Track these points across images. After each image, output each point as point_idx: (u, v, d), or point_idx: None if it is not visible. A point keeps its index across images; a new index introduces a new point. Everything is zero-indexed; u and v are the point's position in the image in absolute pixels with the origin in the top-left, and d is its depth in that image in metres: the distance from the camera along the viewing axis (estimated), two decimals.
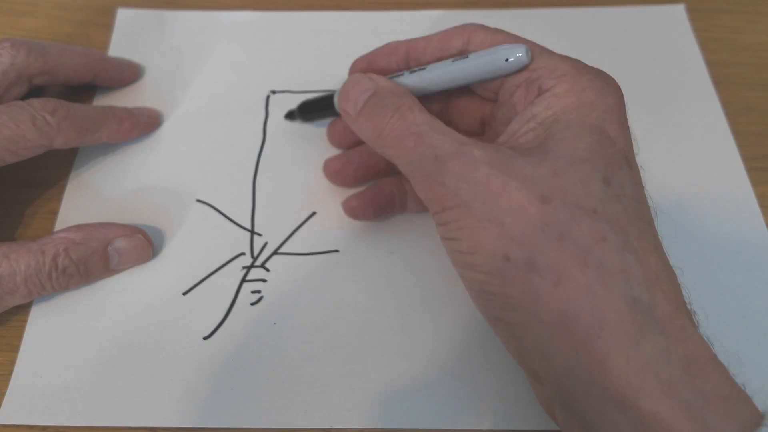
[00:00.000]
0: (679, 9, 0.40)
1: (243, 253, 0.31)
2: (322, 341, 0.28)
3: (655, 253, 0.21)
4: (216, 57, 0.38)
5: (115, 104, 0.35)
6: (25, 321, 0.29)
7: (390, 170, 0.31)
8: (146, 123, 0.35)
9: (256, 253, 0.31)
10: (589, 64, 0.37)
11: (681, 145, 0.34)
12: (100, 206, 0.32)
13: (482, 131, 0.29)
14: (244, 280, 0.30)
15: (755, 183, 0.33)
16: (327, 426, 0.26)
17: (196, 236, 0.31)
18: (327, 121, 0.34)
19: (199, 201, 0.33)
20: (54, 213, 0.33)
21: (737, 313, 0.29)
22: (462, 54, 0.26)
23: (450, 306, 0.29)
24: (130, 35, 0.40)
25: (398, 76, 0.27)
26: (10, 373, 0.28)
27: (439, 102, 0.29)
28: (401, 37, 0.39)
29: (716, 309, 0.29)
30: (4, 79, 0.31)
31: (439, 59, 0.27)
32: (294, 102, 0.36)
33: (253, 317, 0.29)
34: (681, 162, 0.34)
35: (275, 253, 0.31)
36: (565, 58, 0.25)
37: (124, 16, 0.41)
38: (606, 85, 0.24)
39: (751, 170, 0.33)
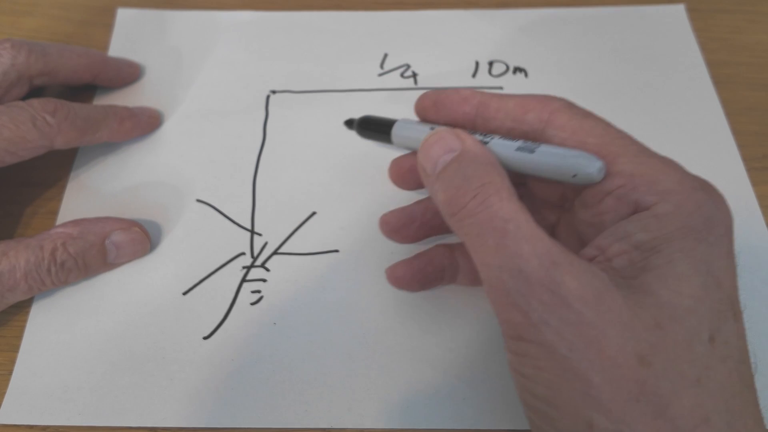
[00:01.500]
0: (679, 9, 0.40)
1: (243, 253, 0.31)
2: (322, 341, 0.28)
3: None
4: (216, 57, 0.38)
5: (115, 104, 0.35)
6: (25, 321, 0.29)
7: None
8: (147, 123, 0.35)
9: (256, 253, 0.31)
10: (589, 64, 0.37)
11: (681, 144, 0.34)
12: (100, 206, 0.32)
13: (563, 204, 0.25)
14: (244, 280, 0.30)
15: (755, 183, 0.33)
16: (327, 426, 0.26)
17: (196, 236, 0.31)
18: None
19: (199, 201, 0.33)
20: (54, 213, 0.33)
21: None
22: (536, 133, 0.23)
23: (451, 306, 0.29)
24: (130, 35, 0.40)
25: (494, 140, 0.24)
26: (10, 373, 0.28)
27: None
28: (401, 38, 0.39)
29: None
30: (5, 80, 0.31)
31: (509, 130, 0.23)
32: (294, 102, 0.36)
33: (253, 317, 0.29)
34: (681, 162, 0.34)
35: (275, 253, 0.31)
36: (667, 164, 0.21)
37: (124, 16, 0.41)
38: (716, 209, 0.20)
39: (751, 170, 0.33)
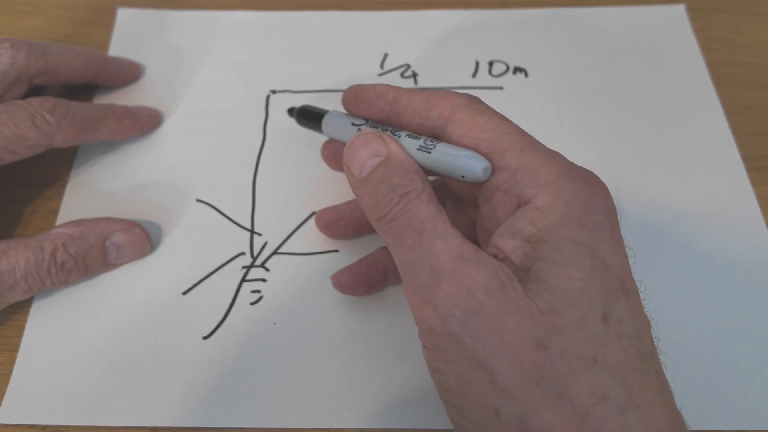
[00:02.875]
0: (680, 9, 0.40)
1: (243, 253, 0.31)
2: (322, 341, 0.28)
3: (658, 404, 0.19)
4: (216, 57, 0.38)
5: (115, 103, 0.35)
6: (25, 320, 0.29)
7: None
8: (146, 122, 0.35)
9: (255, 252, 0.31)
10: (589, 64, 0.37)
11: (681, 144, 0.34)
12: (100, 206, 0.32)
13: (475, 204, 0.26)
14: (243, 279, 0.30)
15: (755, 183, 0.33)
16: (326, 426, 0.26)
17: (195, 236, 0.31)
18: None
19: (199, 200, 0.33)
20: (54, 212, 0.33)
21: (737, 313, 0.29)
22: (439, 129, 0.24)
23: None
24: (130, 35, 0.40)
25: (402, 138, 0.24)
26: (10, 373, 0.28)
27: None
28: (401, 38, 0.39)
29: (716, 309, 0.29)
30: (4, 79, 0.31)
31: (418, 126, 0.24)
32: (295, 101, 0.36)
33: (253, 317, 0.29)
34: (681, 162, 0.34)
35: (275, 252, 0.31)
36: (549, 156, 0.22)
37: (124, 15, 0.41)
38: (592, 195, 0.21)
39: (751, 170, 0.33)
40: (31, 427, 0.27)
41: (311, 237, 0.31)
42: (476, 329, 0.19)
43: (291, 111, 0.32)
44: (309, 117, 0.30)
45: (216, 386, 0.27)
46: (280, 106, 0.36)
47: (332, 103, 0.36)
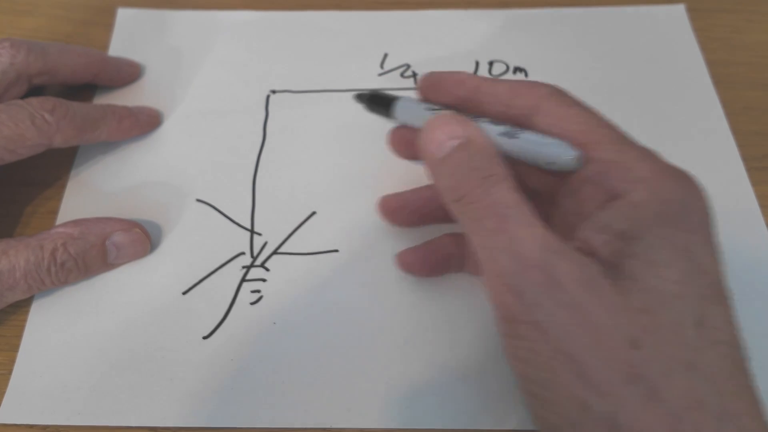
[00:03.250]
0: (679, 9, 0.40)
1: (243, 253, 0.31)
2: (322, 341, 0.28)
3: (754, 416, 0.18)
4: (216, 56, 0.38)
5: (114, 103, 0.35)
6: (25, 320, 0.29)
7: (448, 221, 0.28)
8: (146, 122, 0.35)
9: (255, 252, 0.31)
10: (589, 64, 0.37)
11: (681, 144, 0.34)
12: (99, 205, 0.32)
13: (552, 198, 0.25)
14: (243, 279, 0.30)
15: (755, 183, 0.33)
16: (327, 426, 0.26)
17: (195, 236, 0.31)
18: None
19: (199, 200, 0.33)
20: (54, 212, 0.33)
21: (737, 313, 0.29)
22: (524, 118, 0.23)
23: (450, 306, 0.29)
24: (130, 35, 0.40)
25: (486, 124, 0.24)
26: (10, 373, 0.28)
27: None
28: (401, 38, 0.39)
29: None
30: (4, 79, 0.31)
31: (499, 114, 0.24)
32: (295, 101, 0.36)
33: (253, 317, 0.29)
34: (681, 162, 0.33)
35: (275, 252, 0.31)
36: (644, 153, 0.21)
37: (124, 15, 0.41)
38: (690, 196, 0.20)
39: (751, 170, 0.33)
40: (31, 426, 0.27)
41: (311, 237, 0.31)
42: (565, 322, 0.18)
43: (360, 97, 0.31)
44: (379, 102, 0.29)
45: (216, 386, 0.27)
46: (280, 105, 0.36)
47: (333, 103, 0.36)
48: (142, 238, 0.30)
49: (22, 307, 0.29)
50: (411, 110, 0.27)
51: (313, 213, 0.32)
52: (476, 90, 0.25)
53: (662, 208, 0.20)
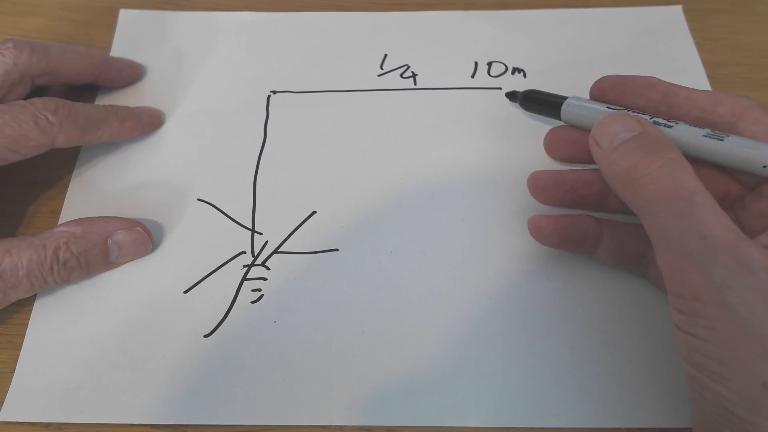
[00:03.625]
0: (677, 10, 0.40)
1: (243, 252, 0.31)
2: (322, 339, 0.28)
3: None
4: (217, 57, 0.39)
5: (116, 104, 0.36)
6: (28, 319, 0.29)
7: (599, 206, 0.30)
8: (148, 122, 0.35)
9: (256, 251, 0.31)
10: (587, 65, 0.38)
11: None
12: (101, 205, 0.33)
13: (722, 202, 0.26)
14: (244, 278, 0.30)
15: None
16: (327, 423, 0.26)
17: (197, 235, 0.32)
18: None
19: (200, 200, 0.33)
20: (56, 212, 0.33)
21: None
22: (725, 125, 0.24)
23: (449, 304, 0.29)
24: (132, 36, 0.40)
25: (670, 126, 0.25)
26: (13, 371, 0.28)
27: None
28: (401, 38, 0.39)
29: None
30: (7, 80, 0.31)
31: (696, 119, 0.25)
32: (295, 102, 0.37)
33: (254, 315, 0.29)
34: None
35: (276, 251, 0.31)
36: None
37: (126, 16, 0.41)
38: None
39: None
40: (34, 424, 0.27)
41: (311, 236, 0.32)
42: (755, 305, 0.19)
43: (512, 95, 0.34)
44: (539, 102, 0.32)
45: (217, 384, 0.27)
46: (281, 106, 0.37)
47: (333, 103, 0.36)
48: (144, 237, 0.30)
49: (24, 306, 0.30)
50: (582, 110, 0.28)
51: (314, 212, 0.32)
52: (672, 94, 0.26)
53: None
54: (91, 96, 0.37)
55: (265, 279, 0.30)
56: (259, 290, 0.30)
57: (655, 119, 0.25)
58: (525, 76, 0.38)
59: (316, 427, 0.26)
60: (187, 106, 0.37)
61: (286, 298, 0.30)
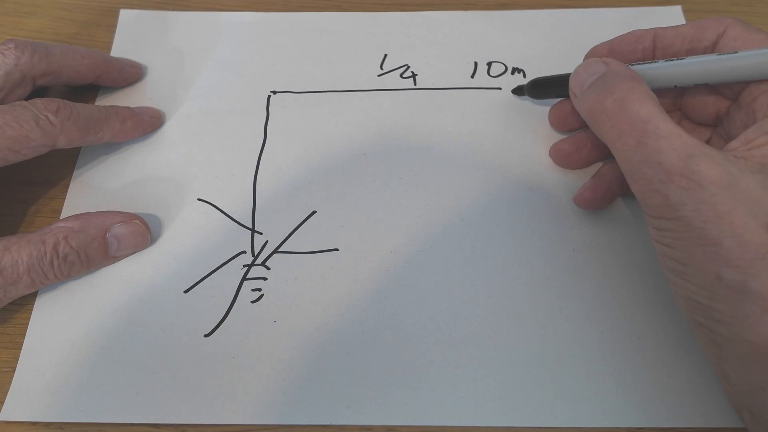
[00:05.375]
0: (676, 10, 0.40)
1: (244, 252, 0.31)
2: (322, 339, 0.28)
3: None
4: (217, 57, 0.39)
5: (117, 104, 0.36)
6: (28, 318, 0.29)
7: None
8: (148, 122, 0.35)
9: (256, 251, 0.31)
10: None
11: None
12: (102, 205, 0.33)
13: (715, 124, 0.29)
14: (244, 278, 0.30)
15: None
16: (327, 423, 0.27)
17: (197, 235, 0.32)
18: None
19: (200, 200, 0.33)
20: (57, 211, 0.33)
21: None
22: (712, 48, 0.26)
23: (449, 302, 0.29)
24: (132, 36, 0.40)
25: (651, 64, 0.27)
26: (14, 370, 0.28)
27: (672, 93, 0.29)
28: (401, 39, 0.39)
29: None
30: (8, 80, 0.31)
31: (689, 51, 0.27)
32: (295, 102, 0.37)
33: (254, 315, 0.29)
34: None
35: (276, 251, 0.31)
36: None
37: (126, 16, 0.41)
38: None
39: None
40: (34, 423, 0.27)
41: (311, 236, 0.32)
42: (707, 214, 0.21)
43: (519, 90, 0.35)
44: (547, 86, 0.33)
45: (217, 383, 0.27)
46: (281, 106, 0.37)
47: (333, 103, 0.37)
48: (142, 230, 0.31)
49: (25, 305, 0.30)
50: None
51: (314, 212, 0.32)
52: (660, 36, 0.27)
53: None
54: (91, 96, 0.37)
55: (265, 279, 0.30)
56: (259, 290, 0.30)
57: (669, 60, 0.26)
58: (524, 76, 0.38)
59: (316, 426, 0.27)
60: (187, 106, 0.37)
61: (286, 298, 0.30)
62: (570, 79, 0.28)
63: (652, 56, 0.28)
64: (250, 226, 0.32)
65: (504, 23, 0.40)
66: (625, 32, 0.29)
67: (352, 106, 0.37)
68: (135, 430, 0.27)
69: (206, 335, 0.29)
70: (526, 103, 0.36)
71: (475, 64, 0.38)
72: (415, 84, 0.38)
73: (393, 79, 0.38)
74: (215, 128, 0.36)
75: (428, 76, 0.38)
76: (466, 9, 0.41)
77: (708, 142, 0.29)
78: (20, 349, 0.29)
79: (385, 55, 0.39)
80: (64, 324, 0.29)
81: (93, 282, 0.30)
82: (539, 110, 0.36)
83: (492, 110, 0.36)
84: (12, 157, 0.29)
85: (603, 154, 0.32)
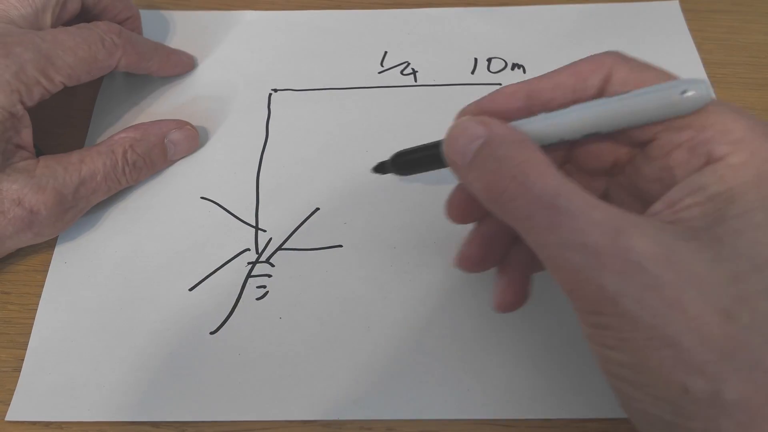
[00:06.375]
0: (674, 5, 0.40)
1: (248, 249, 0.31)
2: (327, 335, 0.29)
3: None
4: (218, 56, 0.39)
5: (117, 105, 0.36)
6: (33, 318, 0.29)
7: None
8: (186, 62, 0.38)
9: (260, 248, 0.31)
10: None
11: None
12: (107, 205, 0.33)
13: (613, 173, 0.24)
14: (249, 275, 0.30)
15: None
16: (332, 418, 0.27)
17: (201, 233, 0.32)
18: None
19: (203, 198, 0.33)
20: None
21: None
22: (600, 95, 0.22)
23: (452, 299, 0.29)
24: None
25: (533, 119, 0.22)
26: (19, 370, 0.28)
27: (562, 144, 0.23)
28: (401, 36, 0.39)
29: None
30: None
31: (572, 102, 0.22)
32: (296, 100, 0.37)
33: (259, 312, 0.29)
34: None
35: (280, 248, 0.31)
36: (737, 113, 0.20)
37: None
38: None
39: None
40: (34, 423, 0.27)
41: (315, 233, 0.32)
42: (655, 305, 0.17)
43: (381, 167, 0.28)
44: (414, 156, 0.26)
45: (223, 380, 0.27)
46: (282, 104, 0.37)
47: (334, 101, 0.37)
48: (195, 133, 0.34)
49: (28, 305, 0.30)
50: None
51: (317, 209, 0.32)
52: (536, 90, 0.23)
53: (762, 169, 0.19)
54: (91, 94, 0.37)
55: (269, 276, 0.30)
56: (264, 287, 0.30)
57: (549, 113, 0.22)
58: (525, 71, 0.38)
59: (322, 422, 0.27)
60: (188, 105, 0.37)
61: (291, 295, 0.30)
62: (445, 146, 0.22)
63: (529, 114, 0.23)
64: (254, 224, 0.32)
65: (504, 19, 0.40)
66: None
67: (353, 103, 0.37)
68: (134, 428, 0.27)
69: (212, 333, 0.29)
70: None
71: (475, 60, 0.38)
72: (415, 81, 0.38)
73: (393, 76, 0.38)
74: (217, 127, 0.36)
75: (429, 72, 0.38)
76: (465, 5, 0.41)
77: (605, 193, 0.25)
78: (22, 349, 0.29)
79: (386, 53, 0.39)
80: (68, 323, 0.29)
81: (97, 281, 0.30)
82: None
83: None
84: (84, 77, 0.31)
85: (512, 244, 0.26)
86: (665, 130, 0.21)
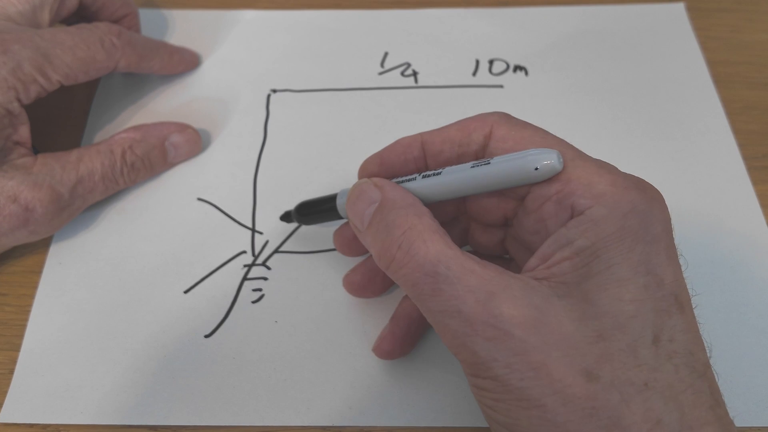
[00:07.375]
0: (679, 7, 0.40)
1: (244, 252, 0.31)
2: (323, 339, 0.28)
3: (711, 422, 0.19)
4: (217, 56, 0.39)
5: (117, 103, 0.35)
6: (25, 320, 0.29)
7: None
8: (189, 60, 0.37)
9: (257, 251, 0.31)
10: (589, 62, 0.38)
11: (681, 143, 0.34)
12: (103, 205, 0.32)
13: (505, 224, 0.25)
14: (245, 278, 0.30)
15: (755, 182, 0.33)
16: (328, 424, 0.26)
17: (197, 235, 0.32)
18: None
19: (200, 199, 0.33)
20: None
21: (737, 311, 0.29)
22: (482, 151, 0.23)
23: None
24: None
25: (410, 180, 0.24)
26: (12, 372, 0.28)
27: (454, 199, 0.25)
28: (402, 37, 0.39)
29: (716, 307, 0.29)
30: None
31: (459, 156, 0.24)
32: (295, 100, 0.36)
33: (255, 315, 0.29)
34: (681, 160, 0.34)
35: (276, 251, 0.31)
36: (601, 167, 0.21)
37: None
38: (649, 208, 0.20)
39: (751, 169, 0.33)
40: (33, 425, 0.27)
41: (312, 236, 0.31)
42: (522, 369, 0.18)
43: (286, 216, 0.30)
44: (314, 209, 0.29)
45: (218, 384, 0.27)
46: (281, 105, 0.36)
47: (333, 102, 0.36)
48: (196, 137, 0.33)
49: (23, 306, 0.30)
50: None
51: None
52: (427, 144, 0.24)
53: (623, 223, 0.20)
54: (89, 96, 0.37)
55: (265, 279, 0.30)
56: (260, 290, 0.30)
57: (425, 176, 0.24)
58: (527, 73, 0.37)
59: (317, 427, 0.26)
60: (187, 105, 0.36)
61: (287, 298, 0.29)
62: (347, 208, 0.24)
63: (424, 165, 0.25)
64: (251, 226, 0.32)
65: (505, 20, 0.40)
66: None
67: (352, 104, 0.36)
68: None
69: (207, 336, 0.28)
70: (526, 102, 0.36)
71: (477, 62, 0.38)
72: (416, 82, 0.37)
73: (394, 78, 0.38)
74: (215, 127, 0.36)
75: (429, 74, 0.38)
76: (467, 6, 0.41)
77: (502, 243, 0.26)
78: (17, 351, 0.28)
79: (386, 53, 0.39)
80: (63, 325, 0.29)
81: (92, 282, 0.30)
82: (540, 108, 0.36)
83: (494, 108, 0.35)
84: (81, 77, 0.31)
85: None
86: (537, 183, 0.21)
